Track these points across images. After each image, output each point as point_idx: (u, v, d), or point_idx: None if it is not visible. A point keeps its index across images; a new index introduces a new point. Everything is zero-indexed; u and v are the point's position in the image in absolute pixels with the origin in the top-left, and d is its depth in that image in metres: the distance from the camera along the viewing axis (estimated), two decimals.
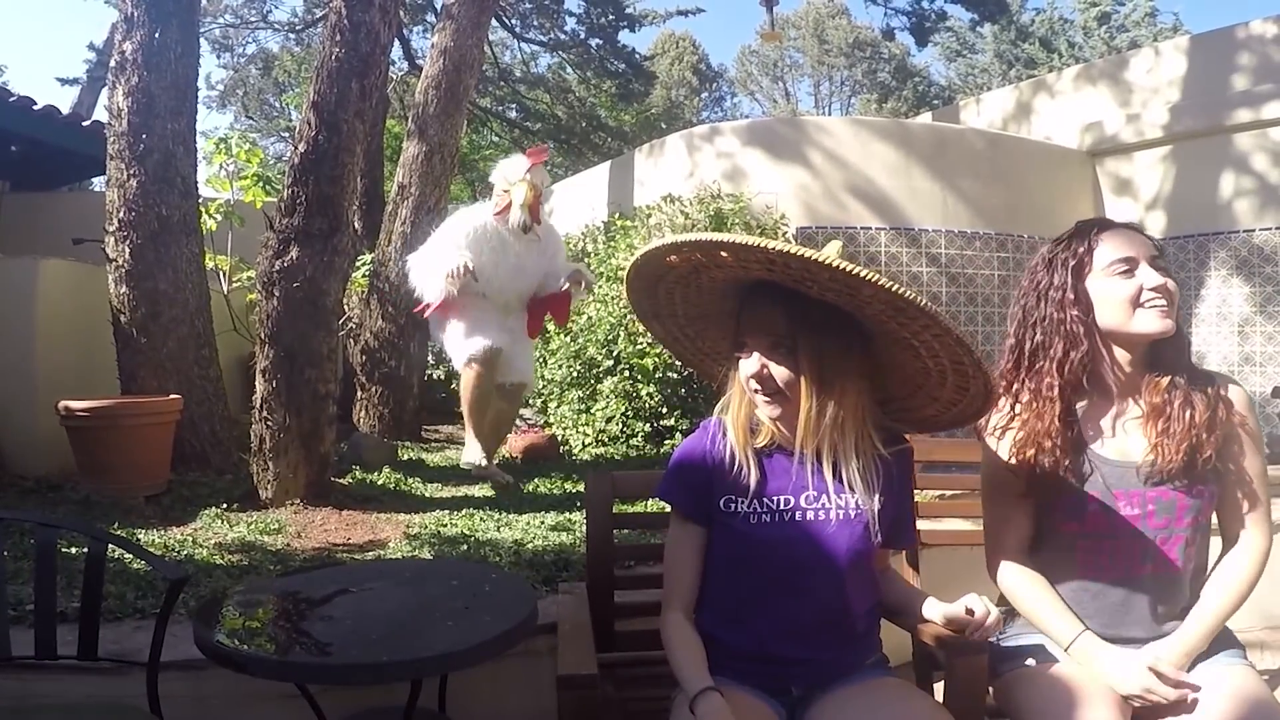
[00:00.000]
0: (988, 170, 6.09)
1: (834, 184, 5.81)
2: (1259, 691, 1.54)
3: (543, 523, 3.43)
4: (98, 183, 9.98)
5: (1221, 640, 1.64)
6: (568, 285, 4.30)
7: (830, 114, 28.61)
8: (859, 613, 1.56)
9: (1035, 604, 1.65)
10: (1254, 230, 5.87)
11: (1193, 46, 6.92)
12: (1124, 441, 1.63)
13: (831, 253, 1.45)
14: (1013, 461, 1.66)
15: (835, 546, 1.51)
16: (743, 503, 1.54)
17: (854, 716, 1.46)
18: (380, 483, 4.20)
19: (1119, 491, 1.60)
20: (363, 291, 5.95)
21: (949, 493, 3.08)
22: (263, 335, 3.66)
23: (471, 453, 4.19)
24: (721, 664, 1.51)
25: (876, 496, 1.52)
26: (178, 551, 2.98)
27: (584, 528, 2.05)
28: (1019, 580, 1.67)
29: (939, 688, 1.62)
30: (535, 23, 12.01)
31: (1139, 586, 1.62)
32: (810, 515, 1.52)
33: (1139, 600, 1.62)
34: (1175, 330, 1.60)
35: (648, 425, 4.97)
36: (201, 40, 4.84)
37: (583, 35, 11.88)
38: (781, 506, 1.53)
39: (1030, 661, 1.64)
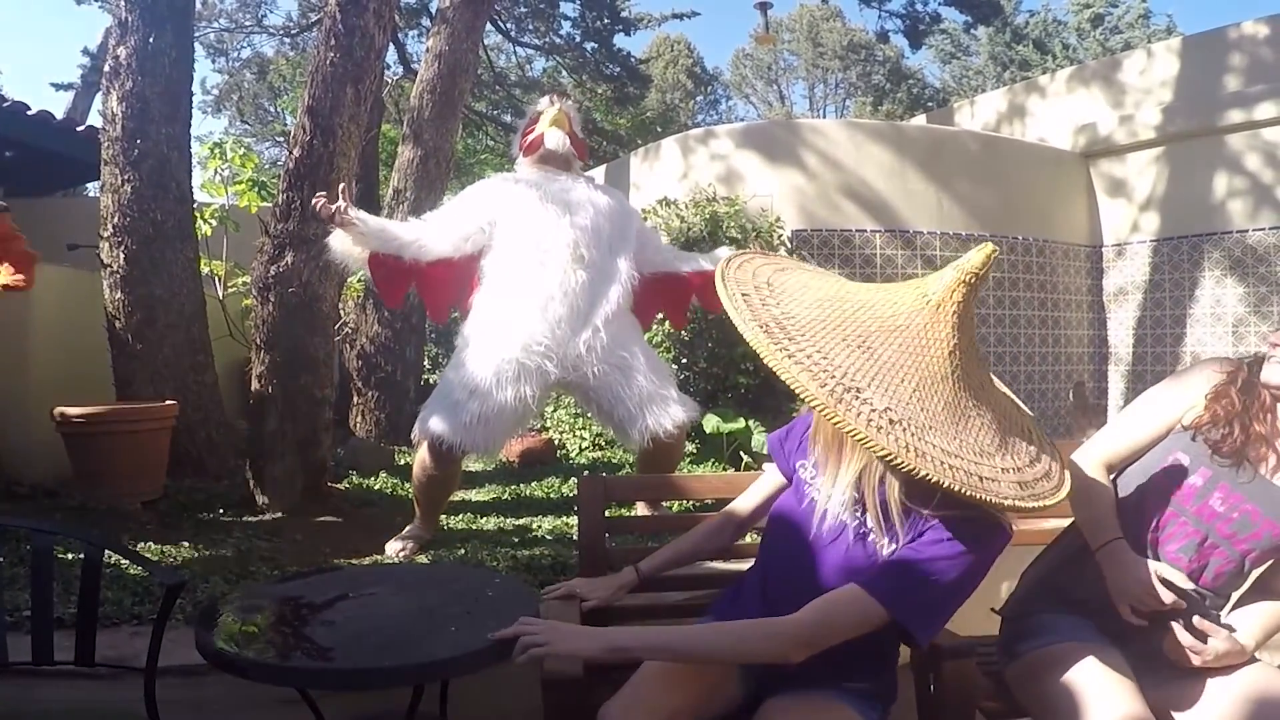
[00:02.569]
0: (982, 172, 6.10)
1: (829, 186, 5.82)
2: (1277, 685, 1.55)
3: (540, 526, 3.44)
4: (92, 188, 9.96)
5: None
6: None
7: (825, 117, 28.66)
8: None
9: (1094, 498, 1.69)
10: (1247, 231, 5.89)
11: (1185, 48, 6.94)
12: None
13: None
14: (1201, 397, 1.68)
15: (837, 557, 1.49)
16: (810, 472, 1.59)
17: None
18: (377, 487, 4.20)
19: (1225, 484, 1.63)
20: (358, 296, 5.95)
21: None
22: (258, 340, 3.66)
23: (402, 536, 3.18)
24: (726, 613, 1.66)
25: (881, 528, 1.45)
26: (174, 557, 2.98)
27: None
28: (1093, 476, 1.72)
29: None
30: (530, 26, 12.01)
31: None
32: (839, 520, 1.51)
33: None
34: None
35: None
36: (196, 45, 4.84)
37: (578, 39, 11.88)
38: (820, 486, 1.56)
39: (1049, 643, 1.66)
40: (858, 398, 1.27)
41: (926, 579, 1.38)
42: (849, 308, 1.38)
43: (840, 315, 1.36)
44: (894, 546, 1.42)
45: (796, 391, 1.26)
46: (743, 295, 1.38)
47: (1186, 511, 1.65)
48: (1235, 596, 1.73)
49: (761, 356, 1.29)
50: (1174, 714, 1.59)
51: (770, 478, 1.80)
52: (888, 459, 1.25)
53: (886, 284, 1.45)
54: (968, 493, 1.27)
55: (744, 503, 1.85)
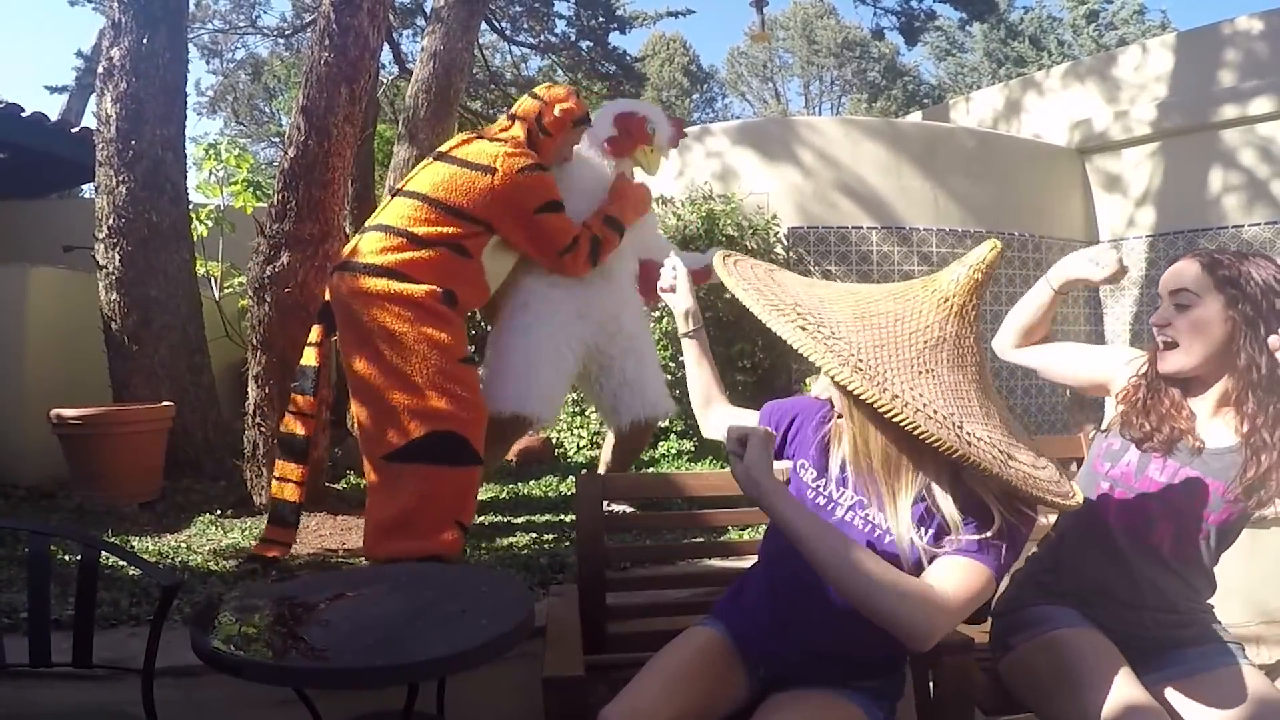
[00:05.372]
0: (978, 168, 6.11)
1: (825, 183, 5.82)
2: (1265, 689, 1.56)
3: (537, 525, 3.44)
4: (87, 189, 9.93)
5: (1219, 640, 1.66)
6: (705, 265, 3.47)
7: (820, 114, 28.65)
8: (857, 639, 1.46)
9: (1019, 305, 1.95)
10: (1243, 226, 5.90)
11: (1180, 43, 6.95)
12: (1206, 428, 1.67)
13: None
14: (1124, 380, 1.78)
15: None
16: (812, 473, 1.56)
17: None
18: None
19: (1158, 457, 1.67)
20: None
21: None
22: (255, 341, 3.65)
23: None
24: (729, 613, 1.65)
25: (926, 534, 1.38)
26: (171, 558, 2.98)
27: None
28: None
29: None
30: (525, 25, 11.97)
31: (1133, 552, 1.67)
32: (847, 517, 1.47)
33: (1125, 562, 1.67)
34: (1205, 362, 1.63)
35: None
36: (190, 46, 4.83)
37: (573, 37, 11.85)
38: (833, 495, 1.50)
39: (1041, 632, 1.67)
40: (970, 434, 1.24)
41: (1003, 545, 1.36)
42: (883, 322, 1.33)
43: (889, 335, 1.31)
44: (927, 540, 1.38)
45: (930, 441, 1.21)
46: (801, 328, 1.29)
47: (1133, 489, 1.69)
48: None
49: (874, 404, 1.23)
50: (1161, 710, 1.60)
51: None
52: (1016, 493, 1.26)
53: (889, 286, 1.41)
54: (1060, 503, 1.30)
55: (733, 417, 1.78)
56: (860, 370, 1.24)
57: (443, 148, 3.22)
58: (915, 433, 1.21)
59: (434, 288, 2.89)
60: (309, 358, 3.05)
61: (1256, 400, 1.58)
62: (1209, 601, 1.72)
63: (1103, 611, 1.68)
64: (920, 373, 1.28)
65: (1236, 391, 1.62)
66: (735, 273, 1.42)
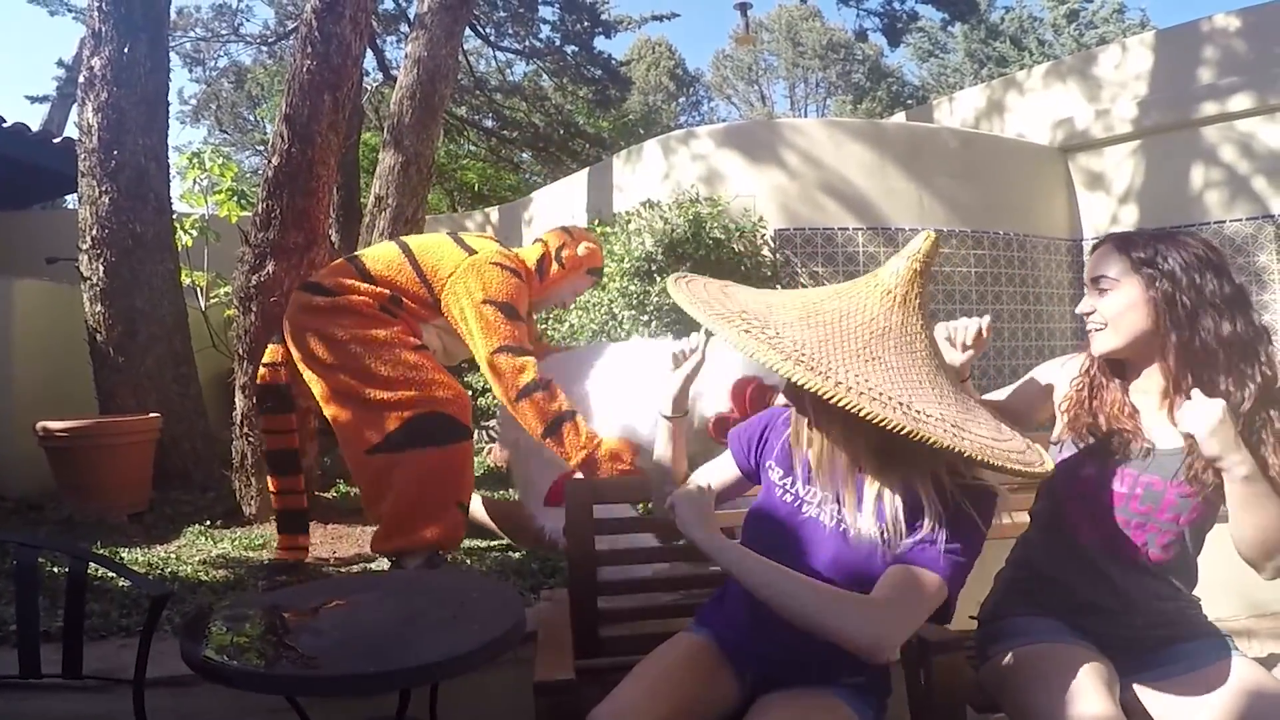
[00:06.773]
0: (962, 168, 6.13)
1: (811, 185, 5.84)
2: (1262, 680, 1.56)
3: None
4: (70, 200, 9.88)
5: (1210, 635, 1.67)
6: None
7: (806, 116, 28.74)
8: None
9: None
10: (1224, 222, 5.95)
11: (1159, 41, 7.00)
12: (1155, 424, 1.66)
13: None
14: (1069, 391, 1.77)
15: (826, 557, 1.48)
16: (778, 473, 1.60)
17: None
18: None
19: (1116, 467, 1.66)
20: None
21: None
22: (241, 351, 3.65)
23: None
24: (713, 618, 1.67)
25: (895, 527, 1.42)
26: (161, 569, 2.97)
27: None
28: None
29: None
30: (510, 31, 11.96)
31: (1110, 566, 1.66)
32: (814, 514, 1.52)
33: (1105, 576, 1.67)
34: (1141, 344, 1.63)
35: None
36: (172, 54, 4.81)
37: (558, 42, 11.84)
38: (800, 493, 1.55)
39: (1017, 645, 1.67)
40: (920, 412, 1.27)
41: (956, 550, 1.39)
42: (828, 319, 1.37)
43: (835, 330, 1.35)
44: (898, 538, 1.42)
45: (876, 421, 1.23)
46: (745, 331, 1.33)
47: (1098, 504, 1.66)
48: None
49: (818, 392, 1.26)
50: (1156, 710, 1.60)
51: (730, 467, 1.76)
52: (970, 460, 1.29)
53: (836, 286, 1.46)
54: (1026, 470, 1.32)
55: (712, 480, 1.78)
56: (803, 363, 1.28)
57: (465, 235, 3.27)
58: (862, 414, 1.24)
59: (368, 299, 2.96)
60: (272, 378, 3.12)
61: (1187, 382, 1.57)
62: (1195, 594, 1.73)
63: (1094, 622, 1.67)
64: (867, 360, 1.32)
65: (1170, 376, 1.61)
66: (685, 290, 1.48)
